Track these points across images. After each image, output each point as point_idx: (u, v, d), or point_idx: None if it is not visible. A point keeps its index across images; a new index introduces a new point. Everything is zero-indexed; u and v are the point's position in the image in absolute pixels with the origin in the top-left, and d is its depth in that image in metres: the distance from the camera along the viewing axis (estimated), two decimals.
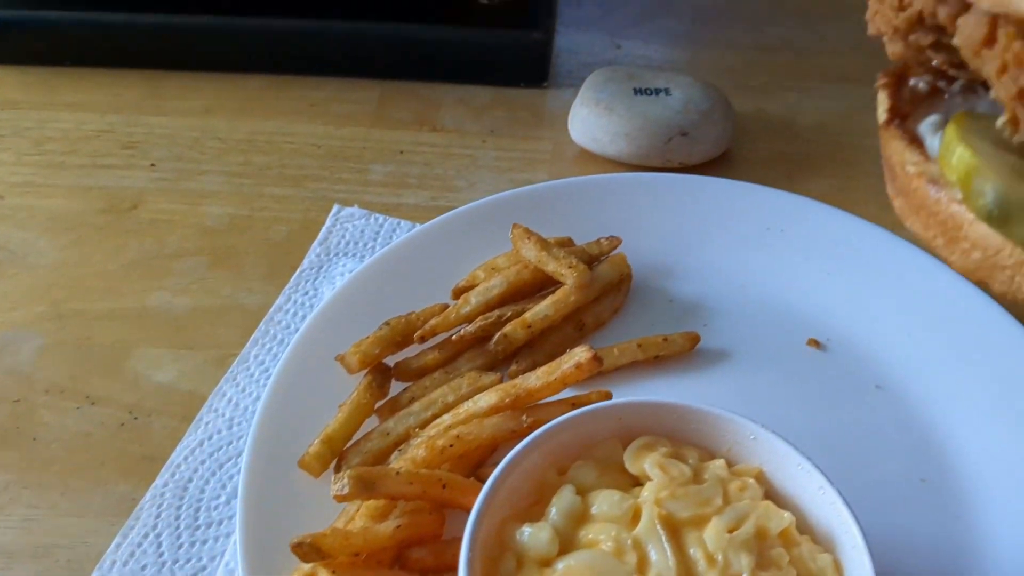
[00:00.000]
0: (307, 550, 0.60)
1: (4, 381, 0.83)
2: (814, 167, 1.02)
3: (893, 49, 0.40)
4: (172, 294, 0.90)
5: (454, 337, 0.79)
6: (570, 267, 0.80)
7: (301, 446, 0.72)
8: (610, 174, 0.95)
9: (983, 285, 0.39)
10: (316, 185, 1.01)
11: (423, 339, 0.79)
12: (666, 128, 0.97)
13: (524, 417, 0.70)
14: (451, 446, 0.68)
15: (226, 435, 0.78)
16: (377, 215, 0.96)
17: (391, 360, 0.79)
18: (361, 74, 1.14)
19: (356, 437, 0.74)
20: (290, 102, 1.12)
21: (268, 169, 1.03)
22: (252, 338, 0.85)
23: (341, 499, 0.64)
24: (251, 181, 1.02)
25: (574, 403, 0.72)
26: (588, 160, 1.03)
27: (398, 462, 0.69)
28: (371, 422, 0.75)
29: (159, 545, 0.71)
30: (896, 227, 0.81)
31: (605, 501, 0.59)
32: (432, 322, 0.79)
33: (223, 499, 0.74)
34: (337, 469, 0.72)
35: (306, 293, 0.89)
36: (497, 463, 0.61)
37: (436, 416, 0.73)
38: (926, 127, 0.45)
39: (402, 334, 0.78)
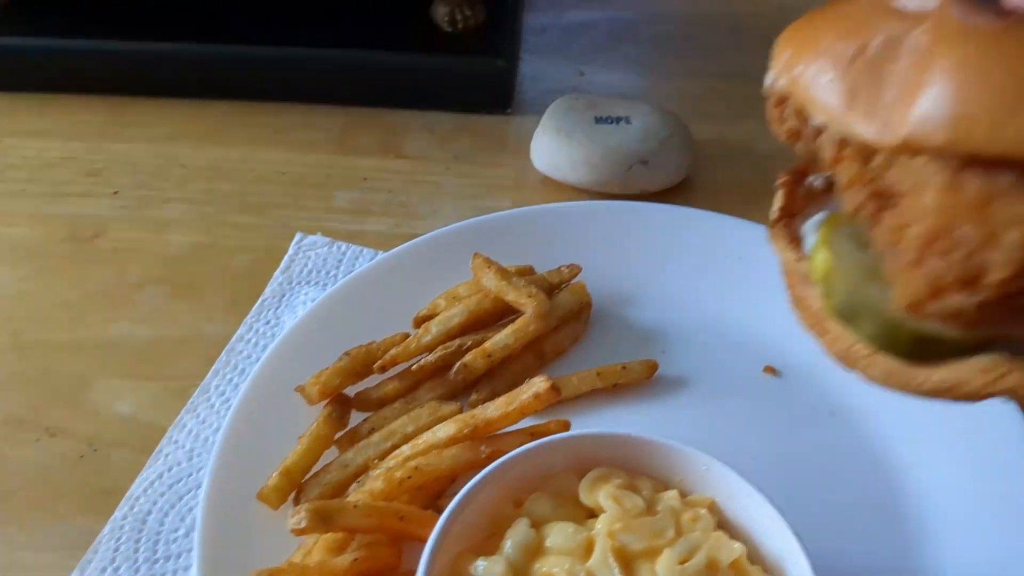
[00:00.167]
0: None
1: None
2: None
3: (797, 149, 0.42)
4: (133, 324, 0.90)
5: (414, 367, 0.80)
6: (530, 296, 0.81)
7: (260, 478, 0.72)
8: (570, 202, 0.96)
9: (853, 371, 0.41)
10: (280, 213, 1.01)
11: (383, 369, 0.79)
12: (626, 156, 0.98)
13: (483, 447, 0.71)
14: (409, 478, 0.69)
15: (186, 467, 0.78)
16: (340, 243, 0.96)
17: (352, 390, 0.80)
18: (326, 100, 1.14)
19: (316, 468, 0.74)
20: (254, 129, 1.12)
21: (232, 197, 1.03)
22: (213, 368, 0.85)
23: (299, 532, 0.64)
24: (214, 209, 1.02)
25: (533, 433, 0.73)
26: (550, 187, 1.04)
27: (356, 494, 0.70)
28: (331, 453, 0.76)
29: None
30: None
31: (559, 534, 0.60)
32: (392, 352, 0.80)
33: (182, 532, 0.74)
34: (296, 501, 0.72)
35: (268, 322, 0.89)
36: (456, 494, 0.62)
37: (395, 447, 0.74)
38: (809, 226, 0.46)
39: (362, 364, 0.79)
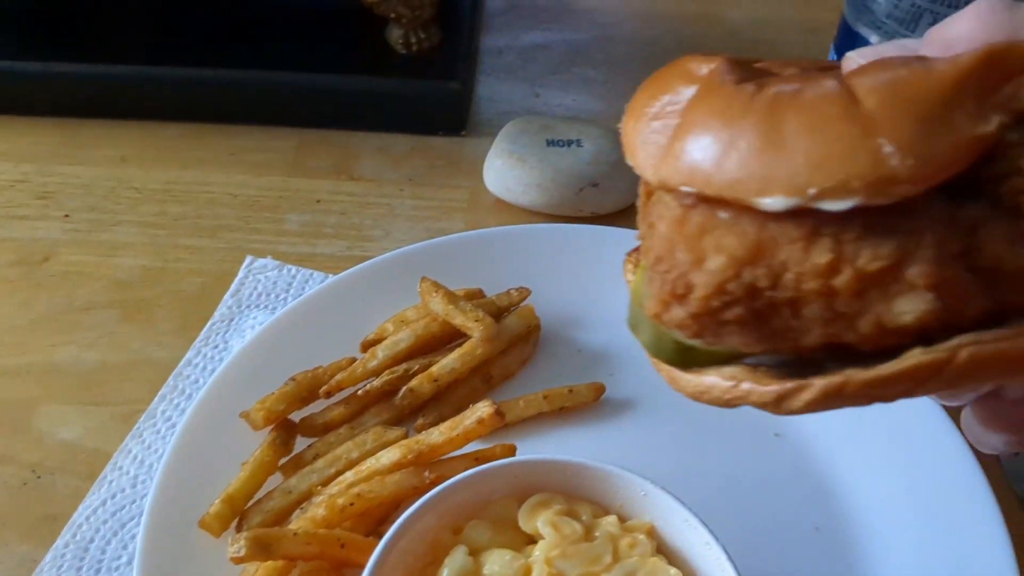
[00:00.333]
0: None
1: None
2: None
3: None
4: (80, 349, 0.90)
5: (360, 392, 0.80)
6: (477, 320, 0.81)
7: (203, 505, 0.72)
8: (520, 225, 0.97)
9: None
10: (231, 235, 1.01)
11: (329, 394, 0.79)
12: (577, 179, 0.99)
13: (427, 473, 0.71)
14: (351, 504, 0.69)
15: (130, 493, 0.78)
16: (290, 266, 0.96)
17: (298, 415, 0.80)
18: (280, 123, 1.14)
19: (259, 495, 0.74)
20: (208, 151, 1.12)
21: (183, 219, 1.03)
22: (160, 393, 0.85)
23: (238, 561, 0.64)
24: (166, 232, 1.02)
25: (478, 457, 0.73)
26: (503, 209, 1.04)
27: (298, 521, 0.70)
28: (276, 479, 0.76)
29: None
30: None
31: (497, 561, 0.60)
32: (338, 377, 0.79)
33: (124, 559, 0.74)
34: (238, 529, 0.72)
35: (216, 347, 0.89)
36: None
37: (339, 473, 0.73)
38: None
39: (308, 389, 0.79)
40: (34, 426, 0.83)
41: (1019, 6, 0.41)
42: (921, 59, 0.37)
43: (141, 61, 1.12)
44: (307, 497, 0.73)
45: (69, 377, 0.87)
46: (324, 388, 0.79)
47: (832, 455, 0.79)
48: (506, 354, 0.85)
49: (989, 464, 0.76)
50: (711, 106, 0.38)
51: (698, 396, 0.42)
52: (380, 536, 0.64)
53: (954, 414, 0.78)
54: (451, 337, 0.84)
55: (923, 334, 0.37)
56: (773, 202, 0.36)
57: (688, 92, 0.40)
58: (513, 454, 0.74)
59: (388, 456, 0.72)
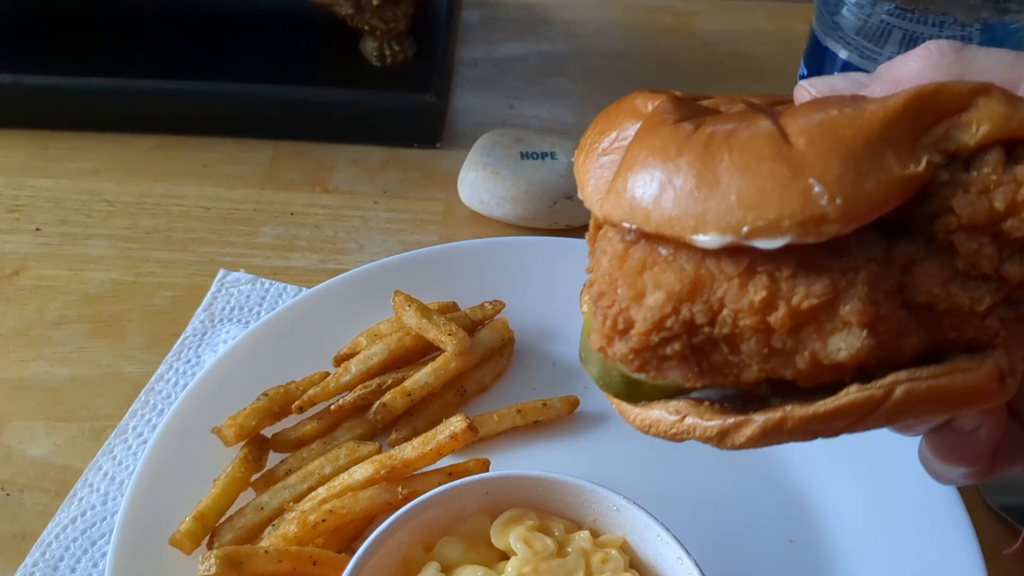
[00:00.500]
0: None
1: None
2: None
3: None
4: (51, 364, 0.89)
5: (333, 407, 0.79)
6: (450, 334, 0.81)
7: (174, 522, 0.71)
8: (494, 238, 0.97)
9: None
10: (204, 249, 1.01)
11: (301, 409, 0.79)
12: (551, 192, 0.99)
13: (400, 488, 0.71)
14: (324, 520, 0.68)
15: (100, 511, 0.77)
16: (263, 280, 0.95)
17: (271, 430, 0.79)
18: (254, 135, 1.14)
19: (231, 512, 0.73)
20: (181, 163, 1.11)
21: (156, 233, 1.02)
22: (131, 409, 0.84)
23: None
24: (138, 245, 1.01)
25: (451, 472, 0.73)
26: (478, 221, 1.04)
27: (270, 538, 0.69)
28: (249, 495, 0.75)
29: None
30: None
31: None
32: (311, 392, 0.79)
33: None
34: (209, 546, 0.71)
35: (188, 361, 0.88)
36: None
37: (312, 489, 0.73)
38: None
39: (280, 405, 0.78)
40: (2, 443, 0.83)
41: (969, 48, 0.42)
42: (856, 99, 0.38)
43: (114, 73, 1.12)
44: (279, 513, 0.72)
45: (39, 393, 0.87)
46: (296, 403, 0.78)
47: (806, 467, 0.79)
48: (480, 368, 0.84)
49: None
50: (651, 144, 0.39)
51: (646, 430, 0.43)
52: (353, 552, 0.63)
53: None
54: (425, 351, 0.84)
55: (862, 370, 0.37)
56: (708, 239, 0.37)
57: (633, 129, 0.41)
58: (487, 468, 0.74)
59: (361, 472, 0.72)
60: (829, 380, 0.38)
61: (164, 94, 1.12)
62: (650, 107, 0.42)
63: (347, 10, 1.08)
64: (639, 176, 0.38)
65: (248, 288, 0.94)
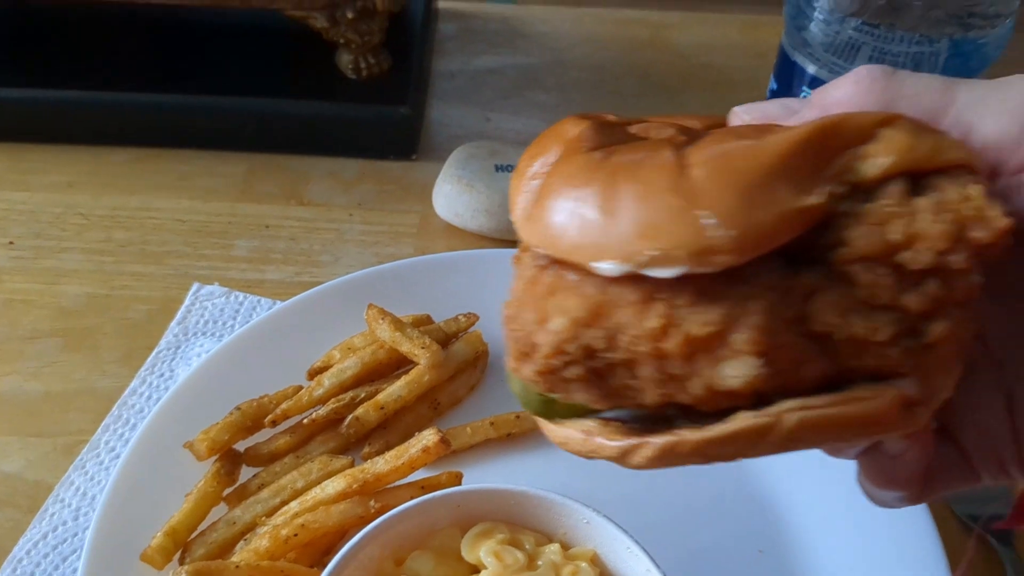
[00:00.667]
0: None
1: None
2: None
3: None
4: (23, 378, 0.89)
5: (306, 420, 0.80)
6: (423, 347, 0.81)
7: (146, 538, 0.71)
8: (468, 251, 0.97)
9: None
10: (178, 262, 1.01)
11: (274, 423, 0.79)
12: None
13: (372, 502, 0.71)
14: (296, 535, 0.68)
15: (71, 526, 0.77)
16: (237, 293, 0.95)
17: (243, 444, 0.79)
18: (230, 147, 1.14)
19: (203, 526, 0.73)
20: (156, 176, 1.11)
21: (130, 246, 1.02)
22: (104, 423, 0.84)
23: None
24: (112, 259, 1.01)
25: (424, 486, 0.73)
26: (453, 234, 1.05)
27: (242, 553, 0.69)
28: (221, 510, 0.75)
29: None
30: None
31: None
32: (284, 405, 0.79)
33: None
34: (181, 561, 0.71)
35: (161, 375, 0.88)
36: None
37: (285, 503, 0.73)
38: None
39: (253, 419, 0.78)
40: None
41: (900, 74, 0.42)
42: (765, 130, 0.38)
43: (89, 86, 1.12)
44: (251, 528, 0.72)
45: (11, 408, 0.86)
46: (269, 417, 0.78)
47: (775, 478, 0.80)
48: (454, 380, 0.85)
49: None
50: (564, 171, 0.40)
51: (562, 446, 0.44)
52: (325, 567, 0.64)
53: None
54: (398, 364, 0.85)
55: (761, 397, 0.38)
56: (607, 267, 0.37)
57: (556, 155, 0.42)
58: (459, 482, 0.74)
59: (333, 486, 0.72)
60: (728, 406, 0.38)
61: (139, 107, 1.12)
62: (573, 133, 0.43)
63: (322, 23, 1.09)
64: (550, 203, 0.39)
65: (222, 301, 0.94)
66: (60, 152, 1.13)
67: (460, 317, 0.89)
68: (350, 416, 0.79)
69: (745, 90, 1.27)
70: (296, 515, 0.70)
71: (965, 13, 0.75)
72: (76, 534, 0.76)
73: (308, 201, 1.09)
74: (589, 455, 0.42)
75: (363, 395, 0.81)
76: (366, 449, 0.80)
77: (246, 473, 0.78)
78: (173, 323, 0.92)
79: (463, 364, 0.85)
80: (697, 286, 0.37)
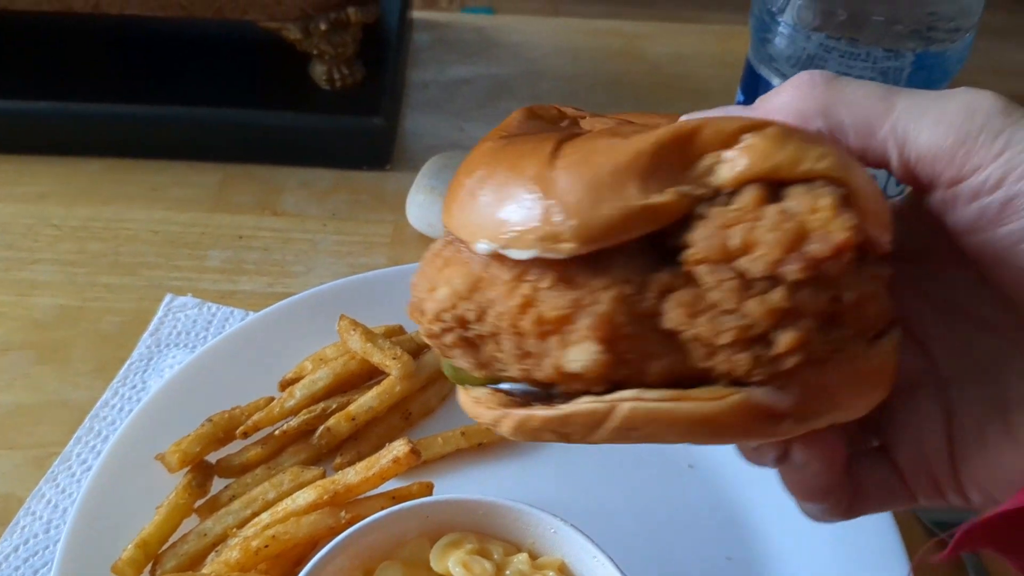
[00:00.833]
0: None
1: None
2: None
3: None
4: None
5: (277, 432, 0.80)
6: (395, 358, 0.81)
7: (117, 550, 0.71)
8: None
9: None
10: (151, 273, 1.01)
11: (246, 435, 0.79)
12: None
13: (343, 513, 0.71)
14: (266, 546, 0.69)
15: (43, 539, 0.77)
16: (210, 304, 0.96)
17: (215, 456, 0.79)
18: (204, 158, 1.14)
19: (175, 538, 0.73)
20: (130, 186, 1.11)
21: (103, 257, 1.02)
22: (75, 435, 0.84)
23: None
24: (85, 270, 1.01)
25: (395, 496, 0.74)
26: (426, 244, 1.03)
27: (212, 564, 0.69)
28: (192, 522, 0.75)
29: None
30: None
31: None
32: (255, 417, 0.79)
33: None
34: (152, 573, 0.71)
35: (134, 387, 0.88)
36: None
37: (256, 514, 0.73)
38: None
39: (224, 430, 0.79)
40: None
41: (841, 80, 0.43)
42: (640, 129, 0.40)
43: (62, 97, 1.12)
44: (223, 539, 0.72)
45: None
46: (241, 429, 0.79)
47: (743, 485, 0.81)
48: (425, 390, 0.85)
49: None
50: (472, 156, 0.44)
51: (466, 410, 0.47)
52: None
53: None
54: (370, 375, 0.85)
55: (615, 385, 0.40)
56: (481, 246, 0.41)
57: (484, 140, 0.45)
58: (430, 492, 0.75)
59: (304, 497, 0.72)
60: (579, 389, 0.40)
61: (113, 118, 1.12)
62: (505, 122, 0.47)
63: (295, 35, 1.09)
64: (453, 184, 0.44)
65: (195, 313, 0.95)
66: (32, 163, 1.13)
67: None
68: (321, 427, 0.80)
69: (717, 99, 1.27)
70: (267, 526, 0.71)
71: (925, 27, 0.77)
72: (48, 547, 0.76)
73: (282, 211, 1.09)
74: (477, 419, 0.45)
75: (335, 406, 0.81)
76: (338, 460, 0.80)
77: (218, 485, 0.78)
78: (146, 335, 0.93)
79: (435, 374, 0.86)
80: (561, 272, 0.40)
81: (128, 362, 0.90)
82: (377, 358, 0.82)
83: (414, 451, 0.73)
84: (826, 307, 0.38)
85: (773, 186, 0.38)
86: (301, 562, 0.72)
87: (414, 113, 1.25)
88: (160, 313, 0.94)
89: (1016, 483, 0.44)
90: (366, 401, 0.81)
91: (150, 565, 0.72)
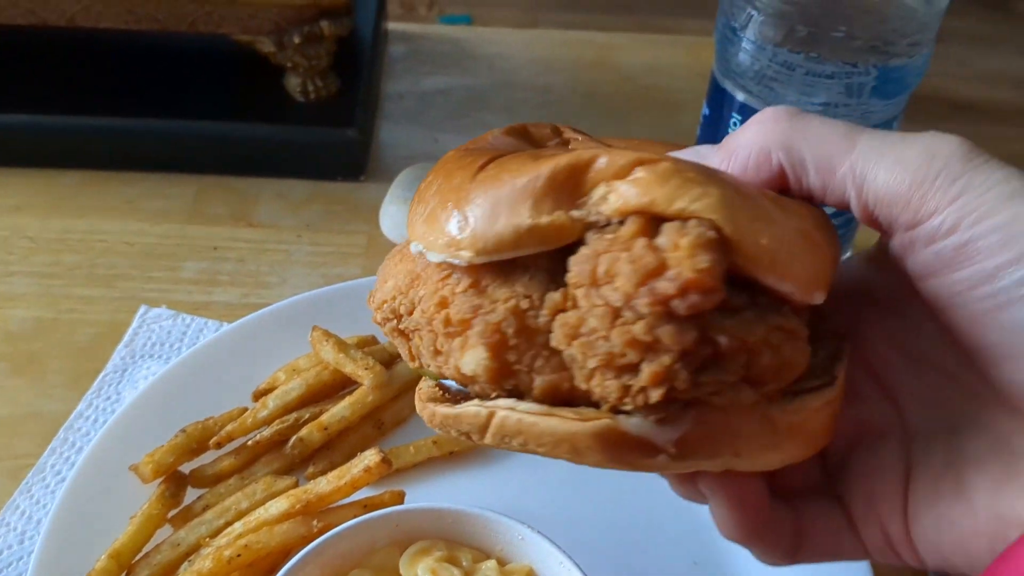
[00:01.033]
0: None
1: None
2: None
3: None
4: None
5: (250, 442, 0.81)
6: (367, 368, 0.82)
7: (90, 561, 0.72)
8: None
9: None
10: (126, 285, 1.01)
11: (219, 445, 0.80)
12: None
13: (315, 522, 0.72)
14: (238, 556, 0.70)
15: (17, 550, 0.78)
16: (185, 315, 0.96)
17: (189, 466, 0.80)
18: (179, 169, 1.15)
19: (148, 548, 0.74)
20: (105, 198, 1.12)
21: (78, 269, 1.03)
22: (50, 447, 0.84)
23: None
24: (60, 282, 1.01)
25: (367, 505, 0.75)
26: None
27: (186, 574, 0.70)
28: (166, 532, 0.76)
29: None
30: None
31: None
32: (228, 427, 0.80)
33: None
34: None
35: (108, 398, 0.89)
36: None
37: (229, 524, 0.74)
38: None
39: (198, 441, 0.79)
40: None
41: (806, 117, 0.43)
42: (556, 153, 0.42)
43: (36, 110, 1.12)
44: (196, 549, 0.73)
45: None
46: (214, 439, 0.80)
47: None
48: (398, 400, 0.86)
49: None
50: (435, 165, 0.48)
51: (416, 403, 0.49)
52: None
53: None
54: (343, 385, 0.86)
55: (511, 392, 0.42)
56: (414, 247, 0.44)
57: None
58: (402, 501, 0.76)
59: (276, 506, 0.73)
60: (481, 392, 0.43)
61: (88, 130, 1.13)
62: (484, 136, 0.51)
63: (269, 47, 1.10)
64: (417, 189, 0.48)
65: (169, 324, 0.95)
66: (7, 175, 1.13)
67: None
68: (294, 437, 0.81)
69: (690, 110, 1.29)
70: (240, 536, 0.71)
71: (883, 43, 0.78)
72: (22, 558, 0.77)
73: (257, 223, 1.10)
74: (420, 412, 0.48)
75: (307, 416, 0.82)
76: (310, 469, 0.81)
77: (192, 495, 0.79)
78: (120, 346, 0.93)
79: (407, 384, 0.87)
80: (475, 279, 0.42)
81: (102, 374, 0.91)
82: (349, 368, 0.83)
83: (385, 460, 0.74)
84: (693, 347, 0.38)
85: (656, 220, 0.39)
86: (273, 571, 0.73)
87: (389, 124, 1.26)
88: (135, 324, 0.95)
89: (966, 544, 0.43)
90: (339, 411, 0.82)
91: (123, 575, 0.72)
